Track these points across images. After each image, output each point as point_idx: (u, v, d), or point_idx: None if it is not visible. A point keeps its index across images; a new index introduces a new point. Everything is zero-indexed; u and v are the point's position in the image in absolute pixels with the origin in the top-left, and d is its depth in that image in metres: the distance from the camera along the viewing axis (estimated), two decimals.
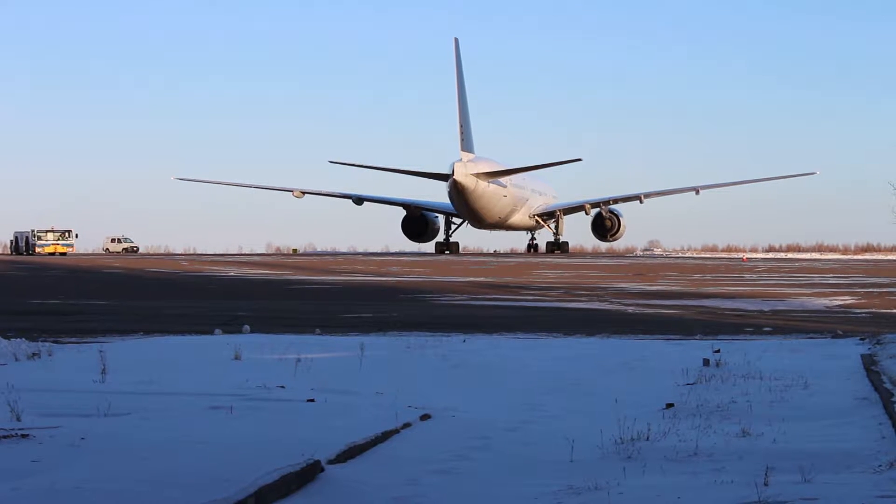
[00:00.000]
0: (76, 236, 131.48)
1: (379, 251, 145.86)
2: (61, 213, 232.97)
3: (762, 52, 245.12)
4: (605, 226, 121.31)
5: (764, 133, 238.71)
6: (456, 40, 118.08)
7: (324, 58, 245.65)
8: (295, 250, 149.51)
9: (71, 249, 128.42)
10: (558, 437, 11.08)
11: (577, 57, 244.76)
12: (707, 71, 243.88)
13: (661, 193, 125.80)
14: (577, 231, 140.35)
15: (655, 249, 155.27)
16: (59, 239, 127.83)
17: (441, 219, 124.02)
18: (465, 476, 9.61)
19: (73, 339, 21.05)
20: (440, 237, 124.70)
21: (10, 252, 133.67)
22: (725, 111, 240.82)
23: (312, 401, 13.03)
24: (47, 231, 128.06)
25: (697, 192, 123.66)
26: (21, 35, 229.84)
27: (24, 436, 10.25)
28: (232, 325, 23.60)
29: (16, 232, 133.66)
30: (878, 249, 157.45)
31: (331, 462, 9.53)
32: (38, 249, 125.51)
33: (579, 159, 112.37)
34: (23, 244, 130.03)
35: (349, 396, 13.60)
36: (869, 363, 16.71)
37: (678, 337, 22.17)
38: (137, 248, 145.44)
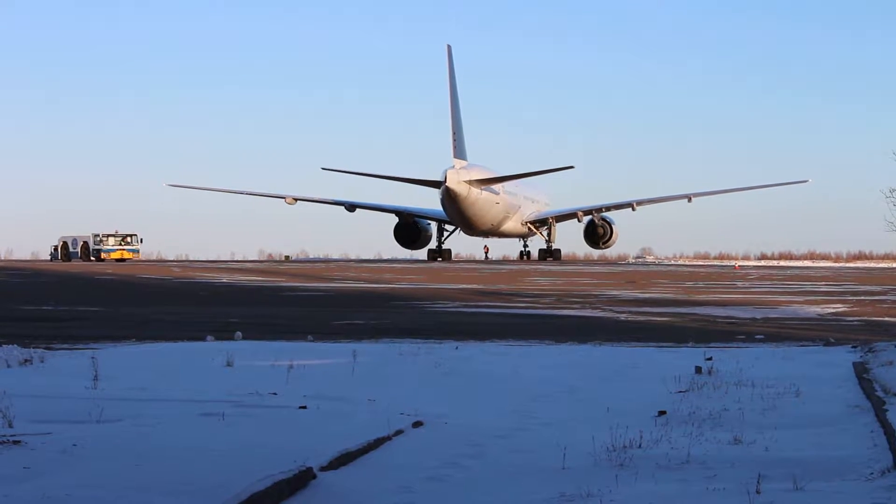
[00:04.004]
0: (141, 241, 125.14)
1: (371, 258, 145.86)
2: (52, 220, 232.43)
3: (754, 59, 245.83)
4: (597, 233, 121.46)
5: (756, 141, 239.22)
6: (449, 47, 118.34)
7: (316, 64, 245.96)
8: (287, 257, 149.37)
9: (136, 255, 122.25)
10: (550, 444, 11.08)
11: (569, 64, 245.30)
12: (699, 79, 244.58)
13: (654, 201, 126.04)
14: (570, 238, 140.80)
15: (648, 257, 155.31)
16: (120, 243, 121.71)
17: (433, 226, 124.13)
18: (458, 483, 9.61)
19: (66, 346, 21.02)
20: (433, 244, 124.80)
21: (59, 258, 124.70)
22: (718, 119, 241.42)
23: (305, 408, 13.03)
24: (109, 235, 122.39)
25: (690, 200, 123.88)
26: (13, 40, 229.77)
27: (15, 442, 10.24)
28: (224, 332, 23.57)
29: (63, 237, 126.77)
30: (870, 257, 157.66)
31: (323, 469, 9.53)
32: (103, 255, 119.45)
33: (572, 167, 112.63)
34: (76, 249, 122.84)
35: (341, 403, 13.60)
36: (861, 371, 16.74)
37: (670, 344, 22.18)
38: None
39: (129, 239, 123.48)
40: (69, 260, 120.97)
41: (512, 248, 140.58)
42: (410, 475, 9.75)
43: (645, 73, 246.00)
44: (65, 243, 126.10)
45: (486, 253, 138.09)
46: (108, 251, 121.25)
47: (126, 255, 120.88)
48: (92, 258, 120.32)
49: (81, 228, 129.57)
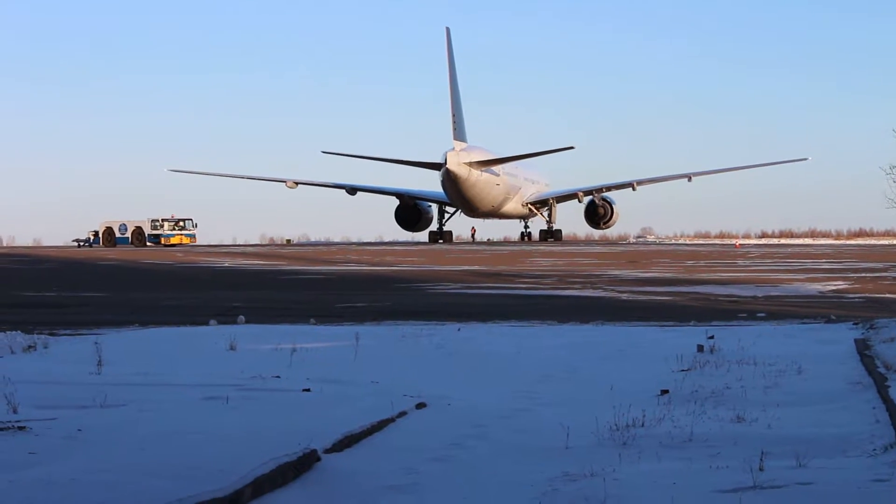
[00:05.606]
0: (195, 225, 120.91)
1: (373, 241, 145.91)
2: (55, 206, 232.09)
3: (754, 39, 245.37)
4: (598, 213, 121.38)
5: (756, 120, 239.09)
6: (447, 29, 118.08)
7: (316, 48, 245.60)
8: (289, 241, 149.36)
9: (193, 240, 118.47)
10: (554, 424, 11.10)
11: (569, 45, 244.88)
12: (699, 58, 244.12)
13: (654, 181, 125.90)
14: (571, 219, 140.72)
15: (648, 236, 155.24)
16: (174, 227, 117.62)
17: (434, 208, 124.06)
18: (461, 464, 9.63)
19: (69, 332, 21.04)
20: (434, 226, 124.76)
21: (99, 244, 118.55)
22: (717, 98, 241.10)
23: (308, 390, 13.04)
24: (164, 220, 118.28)
25: (690, 179, 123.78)
26: (13, 25, 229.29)
27: (20, 428, 10.26)
28: (227, 316, 23.60)
29: (107, 222, 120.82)
30: (870, 234, 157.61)
31: (327, 451, 9.55)
32: (163, 241, 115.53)
33: (572, 147, 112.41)
34: (126, 235, 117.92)
35: (345, 386, 13.62)
36: (862, 348, 16.75)
37: (672, 323, 22.20)
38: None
39: (182, 223, 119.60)
40: (114, 246, 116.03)
41: (513, 229, 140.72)
42: (414, 456, 9.77)
43: (644, 52, 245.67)
44: (108, 229, 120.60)
45: (473, 234, 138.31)
46: (168, 236, 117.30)
47: (185, 241, 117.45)
48: (149, 244, 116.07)
49: (88, 214, 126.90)
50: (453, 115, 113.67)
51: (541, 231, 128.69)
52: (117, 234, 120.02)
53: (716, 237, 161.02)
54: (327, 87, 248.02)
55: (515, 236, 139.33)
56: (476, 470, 9.42)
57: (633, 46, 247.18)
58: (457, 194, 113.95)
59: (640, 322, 22.73)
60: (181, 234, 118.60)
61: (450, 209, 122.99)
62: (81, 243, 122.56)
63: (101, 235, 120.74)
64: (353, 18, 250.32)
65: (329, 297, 32.14)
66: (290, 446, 9.18)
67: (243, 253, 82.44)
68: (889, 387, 12.49)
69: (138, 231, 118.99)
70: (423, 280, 41.71)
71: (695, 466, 9.20)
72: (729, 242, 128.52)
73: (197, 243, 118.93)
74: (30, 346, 17.62)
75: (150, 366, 15.47)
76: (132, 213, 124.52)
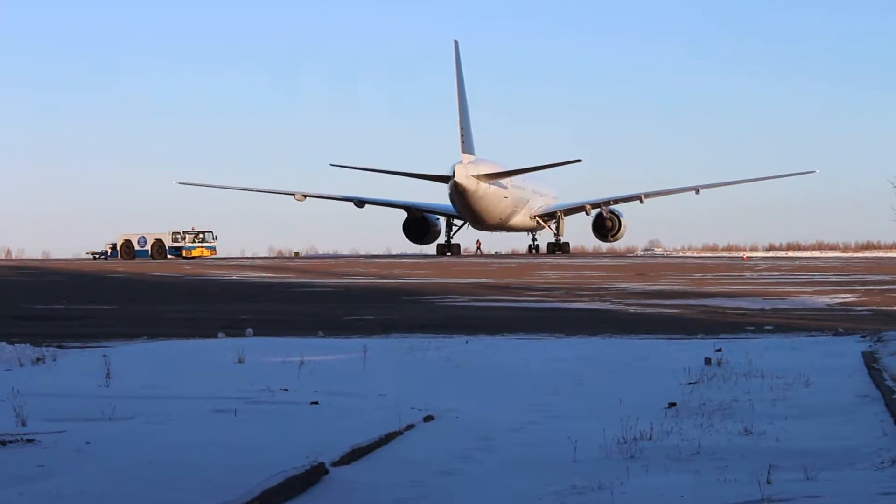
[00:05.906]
0: (215, 237, 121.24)
1: (380, 253, 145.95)
2: (61, 218, 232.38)
3: (761, 50, 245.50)
4: (605, 226, 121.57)
5: (764, 132, 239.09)
6: (456, 42, 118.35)
7: (325, 61, 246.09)
8: (297, 253, 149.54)
9: (214, 252, 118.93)
10: (561, 437, 11.10)
11: (576, 58, 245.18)
12: (706, 70, 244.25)
13: (662, 193, 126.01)
14: (578, 231, 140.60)
15: (656, 249, 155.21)
16: (195, 240, 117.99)
17: (442, 220, 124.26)
18: (469, 477, 9.64)
19: (77, 344, 21.07)
20: (441, 239, 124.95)
21: (118, 257, 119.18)
22: (725, 111, 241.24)
23: (316, 403, 13.06)
24: (185, 233, 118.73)
25: (697, 192, 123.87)
26: (21, 33, 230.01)
27: (29, 440, 10.30)
28: (235, 329, 23.62)
29: (125, 235, 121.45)
30: (878, 247, 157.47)
31: (335, 464, 9.57)
32: (184, 253, 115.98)
33: (579, 160, 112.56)
34: (145, 248, 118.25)
35: (352, 398, 13.64)
36: (870, 361, 16.74)
37: (680, 336, 22.18)
38: None
39: (203, 235, 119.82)
40: (133, 258, 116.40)
41: (520, 241, 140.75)
42: (422, 469, 9.78)
43: (652, 65, 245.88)
44: (127, 241, 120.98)
45: (479, 247, 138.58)
46: (189, 248, 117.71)
47: (206, 253, 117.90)
48: (170, 256, 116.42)
49: (98, 226, 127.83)
50: (461, 128, 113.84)
51: (548, 244, 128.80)
52: (136, 247, 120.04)
53: (723, 250, 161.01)
54: (336, 100, 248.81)
55: (523, 249, 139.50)
56: (483, 483, 9.43)
57: (641, 59, 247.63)
58: (465, 207, 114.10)
59: (647, 335, 22.72)
60: (202, 247, 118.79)
61: (458, 222, 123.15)
62: (98, 256, 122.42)
63: (119, 248, 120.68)
64: (361, 32, 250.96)
65: (337, 310, 32.16)
66: (298, 459, 9.20)
67: (252, 265, 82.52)
68: None
69: (158, 244, 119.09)
70: (431, 293, 41.72)
71: (702, 479, 9.20)
72: (736, 255, 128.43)
73: (216, 255, 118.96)
74: (38, 359, 17.65)
75: (159, 378, 15.50)
76: (139, 225, 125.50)
